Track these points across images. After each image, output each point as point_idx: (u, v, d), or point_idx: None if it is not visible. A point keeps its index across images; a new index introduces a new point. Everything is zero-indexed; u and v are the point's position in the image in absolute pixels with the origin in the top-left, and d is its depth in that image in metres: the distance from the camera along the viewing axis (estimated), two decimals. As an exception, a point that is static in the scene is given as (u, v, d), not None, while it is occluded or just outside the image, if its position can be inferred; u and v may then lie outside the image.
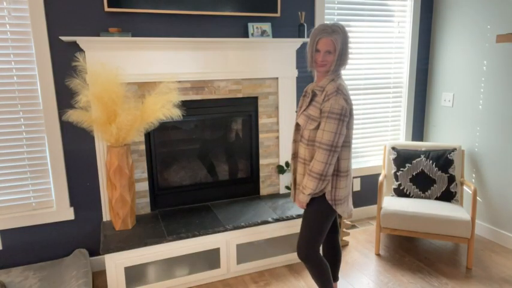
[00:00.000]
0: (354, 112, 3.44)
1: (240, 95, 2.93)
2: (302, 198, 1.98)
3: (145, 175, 2.79)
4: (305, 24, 2.93)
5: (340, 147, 1.92)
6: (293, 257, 2.83)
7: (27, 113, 2.51)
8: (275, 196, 3.12)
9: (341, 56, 1.89)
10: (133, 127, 2.43)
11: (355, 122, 3.49)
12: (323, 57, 1.89)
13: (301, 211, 2.78)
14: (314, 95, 1.97)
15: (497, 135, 3.07)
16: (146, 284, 2.46)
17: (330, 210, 2.01)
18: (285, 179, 3.17)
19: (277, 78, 3.00)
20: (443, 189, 3.00)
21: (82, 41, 2.40)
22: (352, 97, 3.43)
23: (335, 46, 1.86)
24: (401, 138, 3.70)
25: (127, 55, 2.56)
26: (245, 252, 2.68)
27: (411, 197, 3.08)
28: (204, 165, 3.01)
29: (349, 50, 1.93)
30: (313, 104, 1.95)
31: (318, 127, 1.93)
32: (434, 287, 2.55)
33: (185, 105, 2.77)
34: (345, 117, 1.87)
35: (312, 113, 1.93)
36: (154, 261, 2.46)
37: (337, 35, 1.86)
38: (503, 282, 2.60)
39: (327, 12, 3.18)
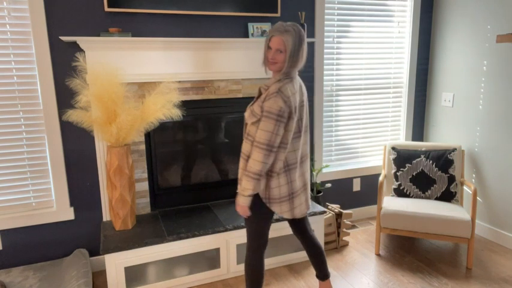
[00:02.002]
0: (354, 112, 3.46)
1: (240, 95, 2.93)
2: (243, 201, 1.92)
3: (145, 175, 2.79)
4: (305, 24, 2.93)
5: (277, 147, 1.91)
6: (293, 257, 2.83)
7: (27, 113, 2.51)
8: (275, 196, 3.11)
9: (293, 57, 1.90)
10: (133, 127, 2.43)
11: (354, 121, 3.49)
12: (273, 55, 1.91)
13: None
14: (260, 92, 1.99)
15: (497, 135, 3.07)
16: (146, 284, 2.46)
17: (264, 209, 2.01)
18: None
19: (277, 78, 2.99)
20: (443, 189, 3.00)
21: (82, 41, 2.39)
22: (352, 97, 3.43)
23: (285, 46, 1.88)
24: (402, 138, 3.70)
25: (127, 55, 2.56)
26: (245, 252, 2.68)
27: (411, 197, 3.09)
28: (204, 165, 3.01)
29: (304, 53, 1.94)
30: (257, 101, 1.97)
31: (256, 123, 1.93)
32: (434, 287, 2.55)
33: (185, 105, 2.77)
34: (282, 118, 1.86)
35: (255, 109, 1.94)
36: (154, 261, 2.46)
37: (289, 35, 1.87)
38: (503, 282, 2.60)
39: (327, 12, 3.18)
